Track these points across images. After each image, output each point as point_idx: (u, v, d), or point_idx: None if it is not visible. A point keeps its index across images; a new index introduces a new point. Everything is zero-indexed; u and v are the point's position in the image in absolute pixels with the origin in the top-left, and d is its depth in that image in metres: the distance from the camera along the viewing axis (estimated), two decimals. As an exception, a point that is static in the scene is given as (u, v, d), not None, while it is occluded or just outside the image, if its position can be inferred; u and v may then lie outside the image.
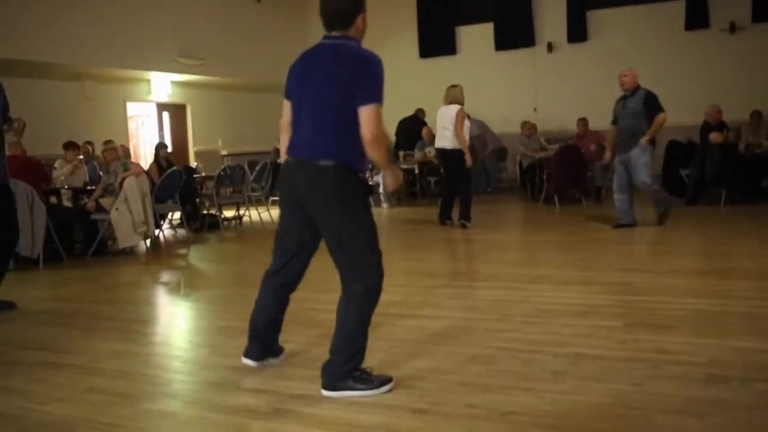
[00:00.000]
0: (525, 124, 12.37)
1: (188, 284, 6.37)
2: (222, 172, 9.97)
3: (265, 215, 10.69)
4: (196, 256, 8.17)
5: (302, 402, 3.11)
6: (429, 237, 8.22)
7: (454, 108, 8.25)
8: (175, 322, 4.95)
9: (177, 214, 9.71)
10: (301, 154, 3.11)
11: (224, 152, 14.27)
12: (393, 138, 13.38)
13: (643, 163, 7.24)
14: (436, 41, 14.74)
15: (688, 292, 4.75)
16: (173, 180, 8.72)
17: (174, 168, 9.03)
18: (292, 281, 3.43)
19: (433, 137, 12.46)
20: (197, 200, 10.34)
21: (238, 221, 10.54)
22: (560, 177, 10.58)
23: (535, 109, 13.71)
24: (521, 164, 12.52)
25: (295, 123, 3.19)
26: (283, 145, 3.29)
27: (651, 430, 2.62)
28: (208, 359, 3.86)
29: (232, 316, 4.80)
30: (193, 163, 12.77)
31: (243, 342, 4.15)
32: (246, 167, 12.31)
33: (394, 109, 13.92)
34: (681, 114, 11.89)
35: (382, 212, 11.65)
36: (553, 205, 10.40)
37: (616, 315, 4.22)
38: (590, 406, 2.86)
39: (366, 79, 2.98)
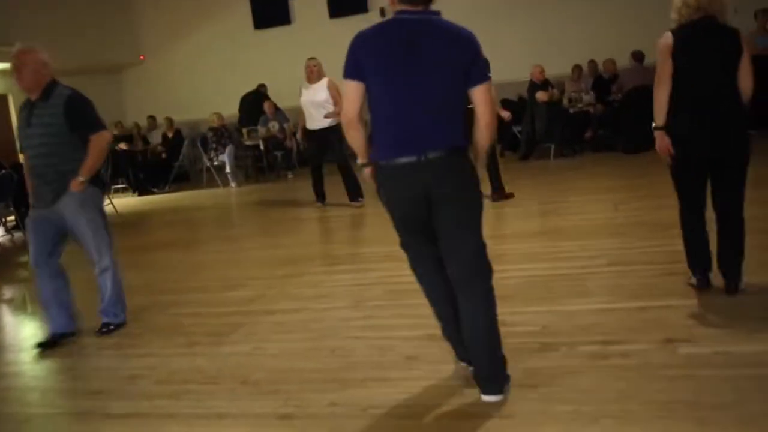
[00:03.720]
0: None
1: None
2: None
3: (108, 208, 10.28)
4: (40, 262, 7.79)
5: (172, 420, 3.18)
6: (281, 218, 8.30)
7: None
8: (27, 346, 4.77)
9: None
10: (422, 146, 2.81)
11: (57, 141, 13.49)
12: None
13: None
14: (269, 11, 14.55)
15: (524, 257, 5.18)
16: (4, 184, 8.23)
17: (4, 171, 8.51)
18: None
19: (275, 111, 12.50)
20: (33, 199, 9.81)
21: (80, 217, 10.08)
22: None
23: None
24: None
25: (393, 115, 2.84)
26: (361, 141, 2.97)
27: (494, 407, 2.92)
28: (69, 386, 3.81)
29: (88, 332, 4.70)
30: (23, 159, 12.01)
31: (104, 361, 4.12)
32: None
33: (236, 84, 13.78)
34: (510, 72, 12.57)
35: (230, 192, 11.58)
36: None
37: (460, 289, 4.55)
38: (440, 390, 3.14)
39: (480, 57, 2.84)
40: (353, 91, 2.86)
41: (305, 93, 8.07)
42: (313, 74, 8.03)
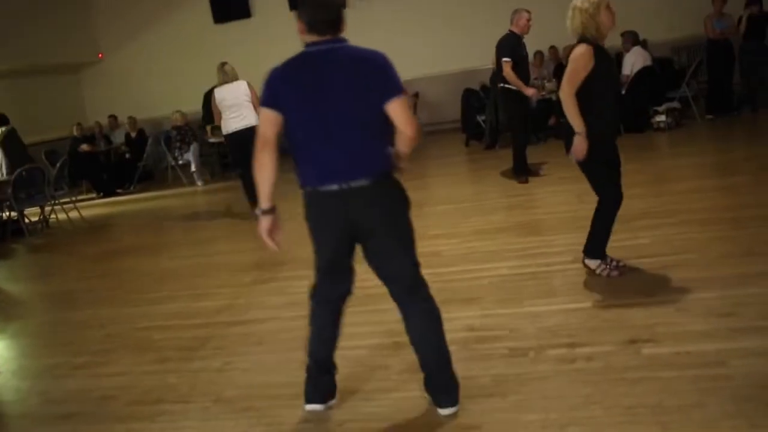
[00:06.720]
0: None
1: (0, 315, 6.02)
2: (18, 176, 9.31)
3: (73, 213, 10.13)
4: (3, 274, 7.68)
5: (145, 445, 3.19)
6: (246, 219, 8.23)
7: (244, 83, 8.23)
8: (-5, 367, 4.73)
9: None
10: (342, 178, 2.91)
11: (16, 145, 13.25)
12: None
13: None
14: (228, 5, 14.41)
15: (490, 255, 5.22)
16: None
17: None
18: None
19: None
20: (-6, 208, 9.66)
21: (44, 223, 9.95)
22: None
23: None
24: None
25: (313, 144, 2.94)
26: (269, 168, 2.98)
27: (465, 417, 2.98)
28: (40, 411, 3.78)
29: (59, 350, 4.67)
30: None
31: (75, 382, 4.08)
32: (45, 159, 11.63)
33: (198, 79, 13.58)
34: (472, 60, 12.65)
35: (196, 191, 11.49)
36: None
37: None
38: (413, 402, 3.18)
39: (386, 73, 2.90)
40: (269, 118, 2.94)
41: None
42: None
